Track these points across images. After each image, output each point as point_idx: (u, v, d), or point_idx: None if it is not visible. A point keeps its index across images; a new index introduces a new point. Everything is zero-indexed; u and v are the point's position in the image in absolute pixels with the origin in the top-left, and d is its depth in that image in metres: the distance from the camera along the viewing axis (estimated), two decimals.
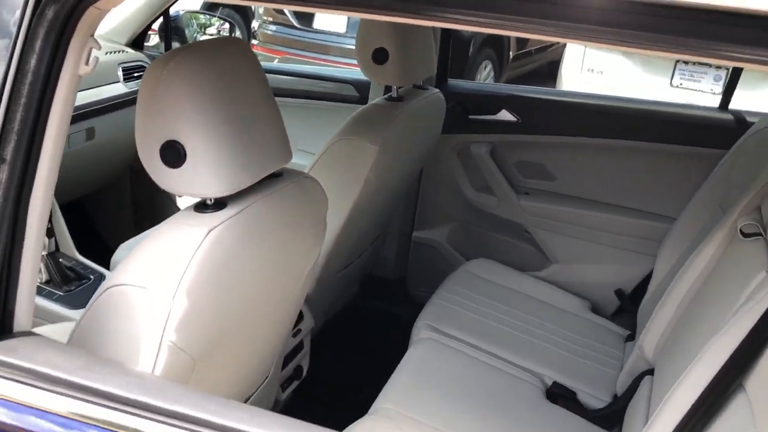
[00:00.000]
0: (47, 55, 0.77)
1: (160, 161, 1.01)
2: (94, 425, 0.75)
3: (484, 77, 5.87)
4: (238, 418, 0.77)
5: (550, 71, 5.73)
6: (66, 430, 0.74)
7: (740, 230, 1.30)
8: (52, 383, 0.75)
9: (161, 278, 0.96)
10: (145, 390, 0.80)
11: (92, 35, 0.83)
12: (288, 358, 1.73)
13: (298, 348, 1.77)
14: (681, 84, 4.75)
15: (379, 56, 1.71)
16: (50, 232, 2.03)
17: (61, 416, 0.74)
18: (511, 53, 6.10)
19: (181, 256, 0.98)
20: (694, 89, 4.61)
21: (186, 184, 1.02)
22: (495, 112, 2.18)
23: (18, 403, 0.76)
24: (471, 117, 2.20)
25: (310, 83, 2.49)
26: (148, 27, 2.59)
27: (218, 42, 1.10)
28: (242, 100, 1.06)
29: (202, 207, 1.05)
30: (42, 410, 0.75)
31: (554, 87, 5.24)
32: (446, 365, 1.68)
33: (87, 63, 0.84)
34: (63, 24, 0.77)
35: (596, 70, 4.99)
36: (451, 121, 2.13)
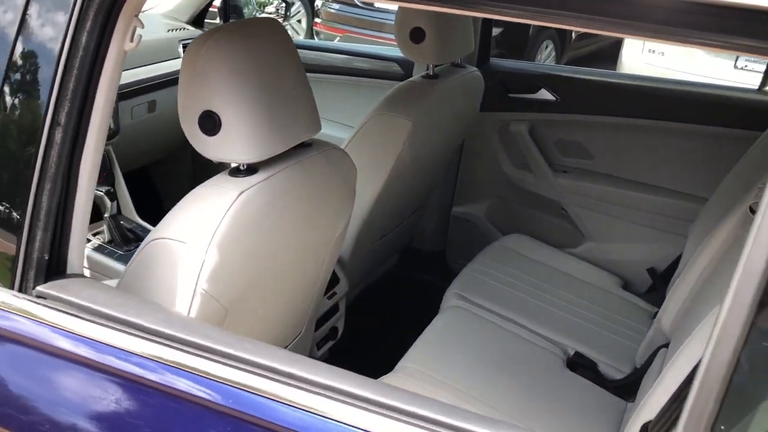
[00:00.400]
0: (96, 33, 0.89)
1: (199, 129, 1.13)
2: (131, 353, 0.88)
3: (545, 57, 5.84)
4: (274, 357, 0.87)
5: (611, 52, 5.65)
6: (103, 355, 0.86)
7: (749, 207, 1.33)
8: (94, 315, 0.88)
9: (196, 233, 1.09)
10: (179, 326, 0.92)
11: (136, 15, 0.95)
12: (324, 319, 1.85)
13: (333, 310, 1.89)
14: (746, 66, 4.63)
15: (416, 35, 1.79)
16: (113, 196, 2.20)
17: (103, 343, 0.87)
18: (573, 33, 6.04)
19: (214, 214, 1.10)
20: (759, 71, 4.50)
21: (221, 151, 1.14)
22: (534, 91, 2.22)
23: (68, 331, 0.89)
24: (511, 95, 2.26)
25: (359, 61, 2.60)
26: (209, 5, 2.74)
27: (253, 22, 1.21)
28: (273, 75, 1.16)
29: (235, 172, 1.17)
30: (86, 338, 0.88)
31: (615, 68, 5.18)
32: (471, 331, 1.77)
33: (132, 40, 0.96)
34: (110, 6, 0.89)
35: (657, 51, 4.91)
36: (491, 99, 2.19)
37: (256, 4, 3.24)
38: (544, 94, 2.22)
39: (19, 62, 0.91)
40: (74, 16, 0.88)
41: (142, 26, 0.97)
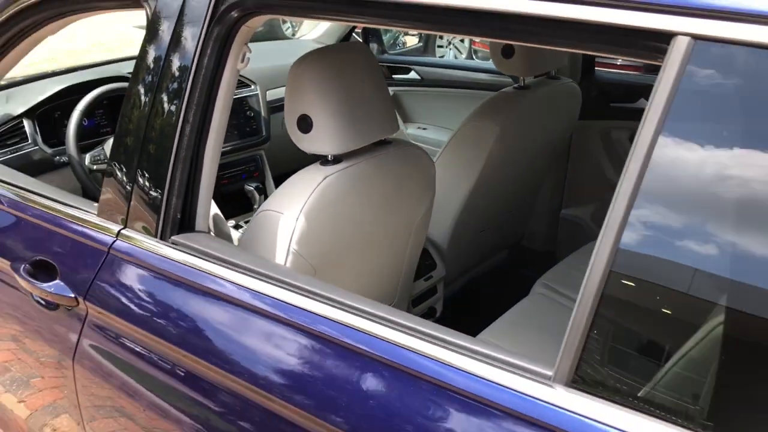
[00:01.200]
0: (214, 57, 1.26)
1: (297, 129, 1.47)
2: (234, 283, 1.22)
3: None
4: (371, 306, 1.12)
5: None
6: (215, 286, 1.22)
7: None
8: (215, 260, 1.24)
9: (290, 206, 1.43)
10: (275, 269, 1.24)
11: (246, 44, 1.31)
12: (421, 299, 2.13)
13: (431, 292, 2.17)
14: None
15: (507, 51, 2.03)
16: (261, 191, 2.65)
17: (214, 276, 1.23)
18: None
19: (305, 191, 1.43)
20: None
21: (313, 145, 1.47)
22: (635, 101, 2.36)
23: (193, 267, 1.26)
24: (612, 104, 2.41)
25: (474, 75, 2.87)
26: (352, 31, 3.14)
27: (342, 46, 1.54)
28: (354, 86, 1.48)
29: (324, 162, 1.50)
30: (206, 272, 1.24)
31: None
32: (548, 315, 1.96)
33: (242, 61, 1.32)
34: (224, 38, 1.25)
35: None
36: (594, 108, 2.36)
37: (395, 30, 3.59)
38: (644, 103, 2.35)
39: (166, 79, 1.30)
40: (199, 44, 1.25)
41: (250, 51, 1.33)
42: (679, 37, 0.82)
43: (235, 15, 1.24)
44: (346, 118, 1.46)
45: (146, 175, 1.33)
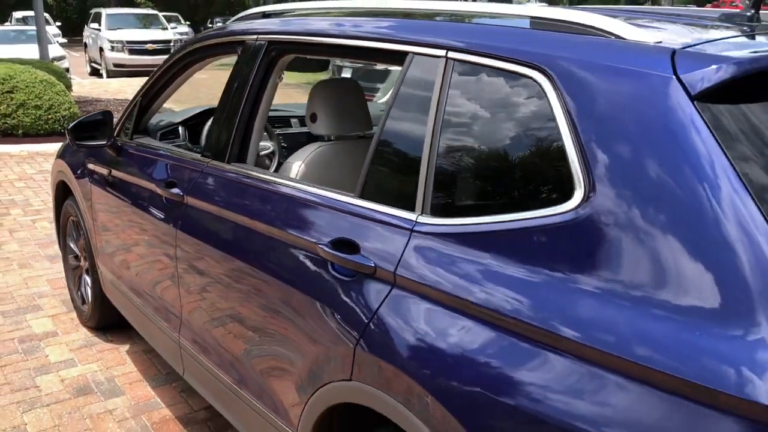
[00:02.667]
0: (260, 75, 2.47)
1: (310, 121, 2.66)
2: None
3: None
4: None
5: None
6: None
7: None
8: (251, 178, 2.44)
9: (298, 158, 2.59)
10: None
11: (282, 70, 2.53)
12: None
13: None
14: None
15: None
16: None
17: None
18: None
19: (307, 152, 2.60)
20: None
21: (317, 130, 2.65)
22: None
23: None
24: None
25: None
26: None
27: (338, 79, 2.73)
28: (342, 99, 2.65)
29: (322, 140, 2.67)
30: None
31: None
32: None
33: (280, 78, 2.54)
34: (267, 65, 2.47)
35: None
36: None
37: None
38: None
39: (244, 87, 2.53)
40: (255, 69, 2.48)
41: (284, 73, 2.55)
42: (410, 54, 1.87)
43: (274, 54, 2.46)
44: (335, 118, 2.63)
45: None
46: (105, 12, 20.82)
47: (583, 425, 1.24)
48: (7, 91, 9.16)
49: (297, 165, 2.57)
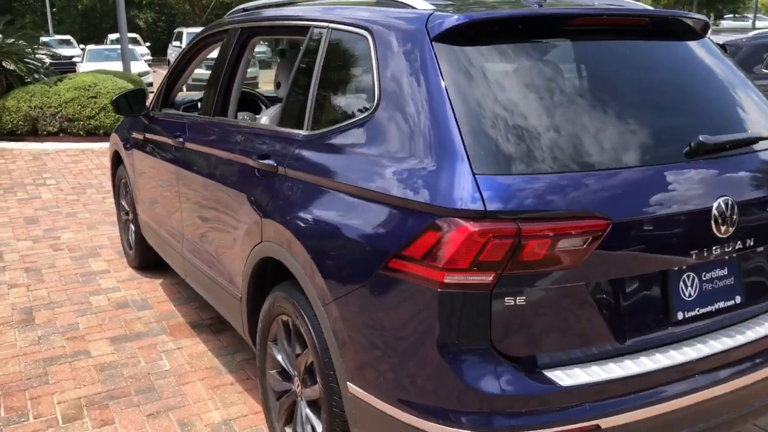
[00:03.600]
0: (236, 54, 3.38)
1: (276, 88, 3.57)
2: None
3: None
4: None
5: None
6: None
7: None
8: None
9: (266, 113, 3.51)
10: None
11: (253, 49, 3.44)
12: None
13: None
14: None
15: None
16: None
17: None
18: None
19: (272, 108, 3.52)
20: None
21: (281, 93, 3.55)
22: None
23: None
24: None
25: None
26: None
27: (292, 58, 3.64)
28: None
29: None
30: None
31: None
32: None
33: (252, 58, 3.45)
34: (241, 46, 3.38)
35: None
36: None
37: None
38: None
39: (226, 60, 3.46)
40: (232, 49, 3.39)
41: (254, 53, 3.45)
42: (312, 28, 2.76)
43: (245, 37, 3.38)
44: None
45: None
46: (185, 31, 22.65)
47: (357, 231, 2.08)
48: (92, 96, 10.57)
49: (264, 117, 3.48)
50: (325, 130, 2.45)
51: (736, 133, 2.26)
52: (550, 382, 1.86)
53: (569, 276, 1.86)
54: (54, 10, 40.08)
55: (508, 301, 1.84)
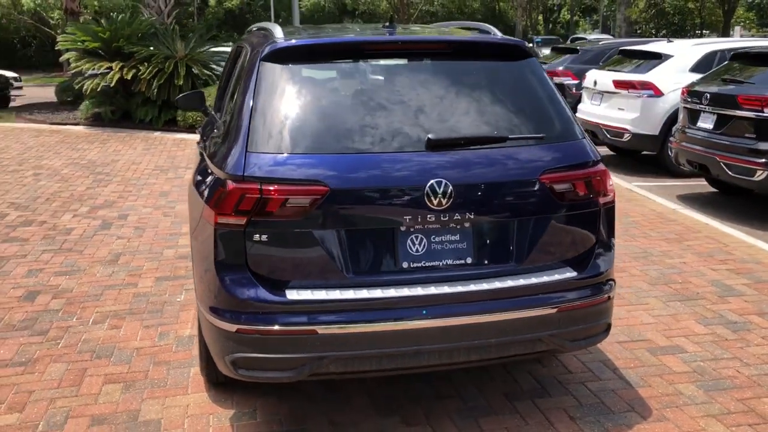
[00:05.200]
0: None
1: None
2: None
3: None
4: None
5: None
6: None
7: None
8: None
9: None
10: None
11: None
12: None
13: None
14: None
15: None
16: None
17: None
18: None
19: None
20: None
21: None
22: None
23: None
24: None
25: None
26: None
27: None
28: None
29: None
30: None
31: None
32: None
33: None
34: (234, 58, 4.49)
35: None
36: None
37: None
38: None
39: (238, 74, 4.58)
40: (237, 61, 4.50)
41: None
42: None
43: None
44: None
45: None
46: None
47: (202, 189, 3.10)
48: None
49: None
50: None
51: (467, 134, 2.91)
52: (283, 295, 2.73)
53: (300, 224, 2.71)
54: (280, 20, 44.81)
55: (256, 237, 2.74)
